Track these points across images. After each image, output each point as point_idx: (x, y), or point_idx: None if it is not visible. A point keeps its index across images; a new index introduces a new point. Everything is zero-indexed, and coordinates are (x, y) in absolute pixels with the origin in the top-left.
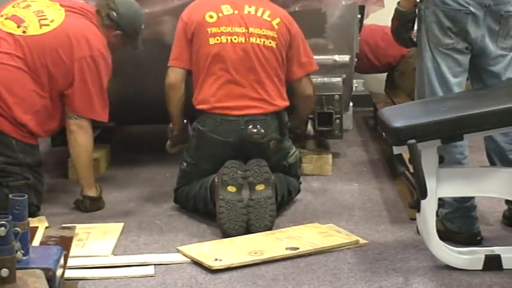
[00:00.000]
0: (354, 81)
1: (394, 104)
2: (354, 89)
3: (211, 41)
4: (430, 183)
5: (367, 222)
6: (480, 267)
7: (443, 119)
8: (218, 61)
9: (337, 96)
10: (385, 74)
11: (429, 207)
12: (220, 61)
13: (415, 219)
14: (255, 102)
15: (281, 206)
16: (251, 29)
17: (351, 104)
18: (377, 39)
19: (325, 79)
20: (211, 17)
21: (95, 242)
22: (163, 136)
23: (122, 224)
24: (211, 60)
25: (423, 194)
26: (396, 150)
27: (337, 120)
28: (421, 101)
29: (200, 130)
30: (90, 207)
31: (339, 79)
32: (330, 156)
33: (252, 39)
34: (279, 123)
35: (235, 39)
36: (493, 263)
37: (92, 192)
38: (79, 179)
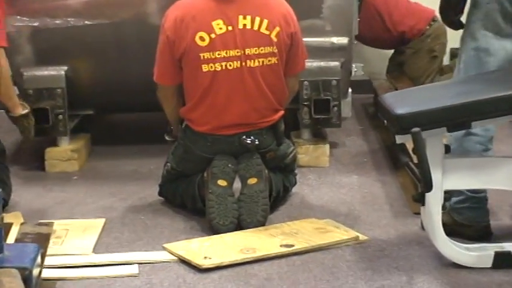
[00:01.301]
0: (353, 65)
1: (397, 90)
2: (352, 73)
3: (205, 68)
4: (436, 175)
5: (368, 217)
6: (489, 265)
7: (450, 105)
8: (211, 91)
9: (334, 82)
10: (388, 56)
11: (434, 201)
12: (214, 91)
13: (419, 213)
14: (249, 126)
15: (276, 202)
16: (247, 51)
17: (350, 90)
18: (397, 2)
19: (322, 63)
20: (202, 39)
21: (74, 239)
22: (148, 125)
23: (103, 220)
24: (203, 90)
25: (428, 186)
26: (399, 139)
27: (335, 108)
28: (426, 86)
29: (188, 146)
30: (29, 126)
31: (337, 63)
32: (327, 146)
33: (249, 63)
34: (274, 133)
35: (230, 65)
36: (503, 261)
37: (22, 109)
38: (6, 102)
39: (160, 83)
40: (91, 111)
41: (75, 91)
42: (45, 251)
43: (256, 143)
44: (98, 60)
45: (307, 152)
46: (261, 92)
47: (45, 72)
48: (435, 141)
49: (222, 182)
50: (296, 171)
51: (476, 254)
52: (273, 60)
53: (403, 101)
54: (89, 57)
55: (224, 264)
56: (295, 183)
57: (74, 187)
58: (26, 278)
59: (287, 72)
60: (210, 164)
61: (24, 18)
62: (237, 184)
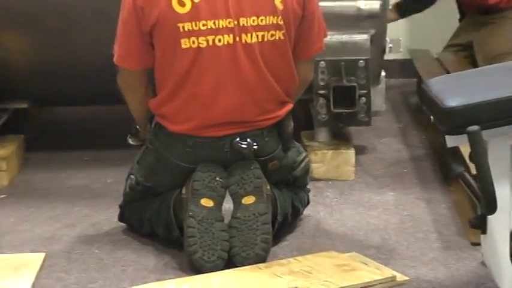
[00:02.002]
0: (387, 39)
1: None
2: (387, 50)
3: (184, 43)
4: (502, 191)
5: (408, 249)
6: None
7: None
8: (193, 76)
9: (362, 62)
10: (435, 27)
11: (500, 226)
12: (197, 76)
13: (479, 244)
14: (245, 125)
15: (283, 229)
16: (243, 21)
17: (383, 73)
18: None
19: (345, 37)
20: (182, 3)
21: (2, 282)
22: (103, 124)
23: (42, 255)
24: (183, 74)
25: (491, 206)
26: (450, 141)
27: (363, 98)
28: (489, 68)
29: (161, 153)
30: None
31: (365, 37)
32: (352, 151)
33: (245, 38)
34: (280, 134)
35: (219, 40)
36: None
37: None
38: None
39: (123, 66)
40: (24, 104)
41: (2, 77)
42: None
43: (255, 147)
44: (35, 34)
45: (325, 160)
46: (262, 78)
47: None
48: (500, 144)
49: (206, 202)
50: (309, 186)
51: None
52: (278, 35)
53: (457, 89)
54: (21, 31)
55: None
56: (308, 202)
57: (1, 209)
58: None
59: (298, 54)
60: (190, 177)
61: None
62: (228, 204)
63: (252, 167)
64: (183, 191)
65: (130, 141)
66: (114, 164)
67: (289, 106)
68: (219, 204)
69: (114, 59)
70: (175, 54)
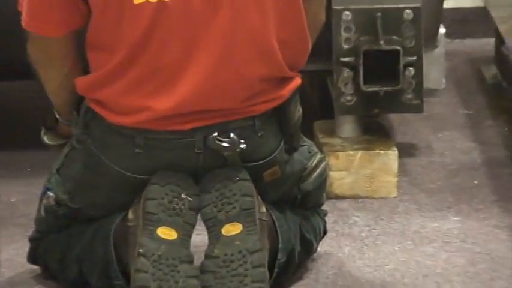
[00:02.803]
0: None
1: None
2: None
3: None
4: None
5: None
6: None
7: None
8: (152, 45)
9: (409, 13)
10: None
11: None
12: (158, 45)
13: None
14: (228, 113)
15: (286, 274)
16: None
17: (443, 30)
18: None
19: None
20: None
21: None
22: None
23: None
24: (137, 41)
25: None
26: None
27: (411, 69)
28: None
29: (95, 157)
30: None
31: None
32: (395, 153)
33: None
34: (282, 126)
35: None
36: None
37: None
38: None
39: (37, 32)
40: None
41: None
42: None
43: (242, 147)
44: None
45: (351, 167)
46: (253, 38)
47: None
48: None
49: (166, 233)
50: (326, 207)
51: None
52: None
53: None
54: None
55: None
56: (325, 232)
57: None
58: None
59: None
60: (141, 194)
61: None
62: (201, 236)
63: (238, 178)
64: (130, 215)
65: (46, 139)
66: (21, 173)
67: (296, 82)
68: (185, 236)
69: (22, 22)
70: (124, 13)
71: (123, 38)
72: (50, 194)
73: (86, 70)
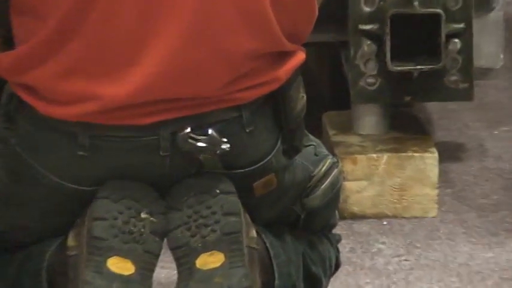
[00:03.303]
0: None
1: None
2: None
3: None
4: None
5: None
6: None
7: None
8: (97, 9)
9: None
10: None
11: None
12: (104, 9)
13: None
14: (202, 101)
15: None
16: None
17: None
18: None
19: None
20: None
21: None
22: None
23: None
24: (76, 5)
25: None
26: None
27: (456, 41)
28: None
29: (22, 161)
30: None
31: None
32: (434, 157)
33: None
34: (280, 117)
35: None
36: None
37: None
38: None
39: None
40: None
41: None
42: None
43: (224, 147)
44: None
45: (374, 176)
46: (237, 1)
47: None
48: None
49: (119, 265)
50: (340, 229)
51: None
52: None
53: None
54: None
55: None
56: (338, 265)
57: None
58: None
59: None
60: (85, 212)
61: None
62: (167, 270)
63: (219, 191)
64: (70, 242)
65: None
66: None
67: (298, 59)
68: (145, 270)
69: None
70: None
71: (54, 1)
72: None
73: (8, 43)
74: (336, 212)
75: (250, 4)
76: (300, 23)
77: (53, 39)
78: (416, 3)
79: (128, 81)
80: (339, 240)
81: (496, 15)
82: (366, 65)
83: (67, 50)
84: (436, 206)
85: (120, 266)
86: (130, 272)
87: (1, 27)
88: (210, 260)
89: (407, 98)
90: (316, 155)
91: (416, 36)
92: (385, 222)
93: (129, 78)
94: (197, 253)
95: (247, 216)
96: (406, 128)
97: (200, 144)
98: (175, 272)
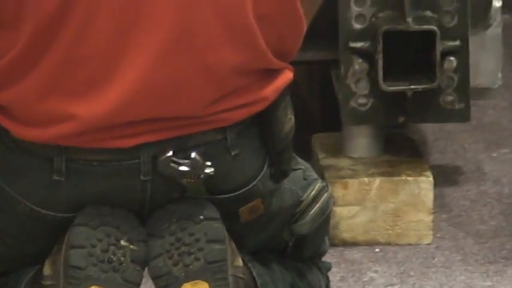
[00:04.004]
0: None
1: None
2: None
3: None
4: None
5: None
6: None
7: None
8: (74, 19)
9: None
10: None
11: None
12: (82, 19)
13: None
14: (185, 122)
15: None
16: None
17: (498, 3)
18: None
19: None
20: None
21: None
22: None
23: None
24: (53, 14)
25: None
26: None
27: (452, 59)
28: None
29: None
30: None
31: None
32: (429, 181)
33: None
34: (267, 139)
35: None
36: None
37: None
38: None
39: None
40: None
41: None
42: None
43: (208, 172)
44: None
45: (366, 201)
46: (222, 13)
47: None
48: None
49: None
50: (330, 257)
51: None
52: None
53: None
54: None
55: None
56: None
57: None
58: None
59: None
60: (62, 240)
61: None
62: None
63: (203, 217)
64: (46, 271)
65: None
66: None
67: (286, 78)
68: None
69: None
70: None
71: (30, 9)
72: None
73: None
74: (326, 238)
75: (234, 17)
76: (287, 39)
77: (25, 55)
78: (409, 20)
79: (105, 100)
80: (329, 269)
81: (493, 32)
82: (357, 85)
83: (42, 65)
84: (431, 232)
85: None
86: None
87: None
88: None
89: (401, 119)
90: (305, 179)
91: (410, 54)
92: (377, 250)
93: (106, 96)
94: (180, 282)
95: (233, 243)
96: (399, 151)
97: (183, 168)
98: None
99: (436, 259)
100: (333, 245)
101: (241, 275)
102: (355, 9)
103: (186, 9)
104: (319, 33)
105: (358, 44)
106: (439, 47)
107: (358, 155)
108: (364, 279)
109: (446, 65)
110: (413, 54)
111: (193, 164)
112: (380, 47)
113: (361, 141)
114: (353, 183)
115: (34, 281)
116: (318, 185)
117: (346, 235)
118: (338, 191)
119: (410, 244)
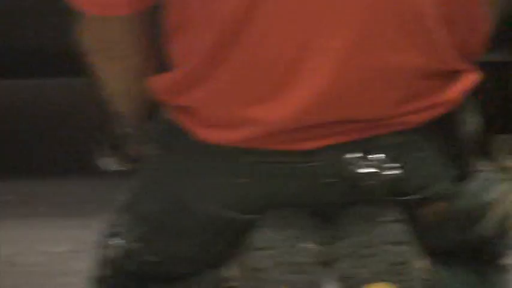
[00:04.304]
0: None
1: None
2: None
3: None
4: None
5: None
6: None
7: None
8: (256, 25)
9: None
10: None
11: None
12: (262, 27)
13: None
14: (369, 124)
15: None
16: None
17: None
18: None
19: None
20: None
21: None
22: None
23: None
24: (234, 20)
25: None
26: None
27: None
28: None
29: (180, 190)
30: None
31: None
32: None
33: None
34: (451, 141)
35: None
36: None
37: None
38: None
39: (95, 12)
40: None
41: None
42: None
43: (393, 173)
44: None
45: None
46: (403, 14)
47: None
48: None
49: None
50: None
51: None
52: None
53: None
54: None
55: None
56: None
57: None
58: None
59: None
60: (244, 241)
61: None
62: None
63: (386, 219)
64: (231, 272)
65: (106, 163)
66: (70, 213)
67: (470, 79)
68: None
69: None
70: None
71: (212, 17)
72: (118, 241)
73: (164, 64)
74: (507, 240)
75: (413, 18)
76: (468, 40)
77: (204, 63)
78: None
79: (290, 104)
80: (509, 271)
81: None
82: None
83: (224, 68)
84: None
85: None
86: None
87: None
88: None
89: None
90: (487, 180)
91: None
92: None
93: (290, 100)
94: (364, 284)
95: (417, 245)
96: None
97: (367, 170)
98: None
99: None
100: None
101: (427, 277)
102: None
103: (369, 12)
104: (501, 34)
105: None
106: None
107: None
108: None
109: None
110: None
111: (379, 165)
112: None
113: None
114: None
115: (217, 283)
116: (502, 187)
117: None
118: None
119: None
